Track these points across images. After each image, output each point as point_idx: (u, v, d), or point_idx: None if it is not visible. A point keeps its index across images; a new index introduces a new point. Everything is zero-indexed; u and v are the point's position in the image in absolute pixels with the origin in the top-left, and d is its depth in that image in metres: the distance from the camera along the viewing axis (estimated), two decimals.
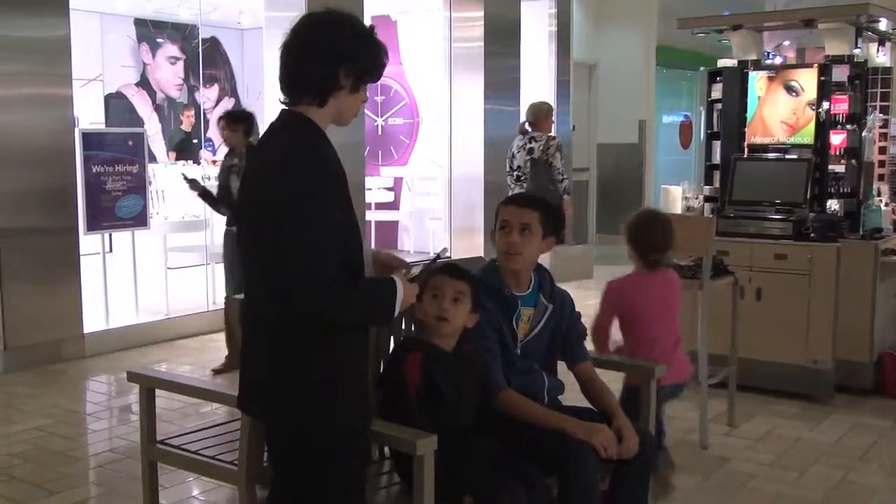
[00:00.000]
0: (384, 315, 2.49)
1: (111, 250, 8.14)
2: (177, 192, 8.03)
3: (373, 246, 10.77)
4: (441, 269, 3.03)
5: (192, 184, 6.50)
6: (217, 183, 6.46)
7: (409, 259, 2.82)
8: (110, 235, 7.92)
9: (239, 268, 6.28)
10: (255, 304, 2.46)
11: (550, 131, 8.04)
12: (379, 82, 11.99)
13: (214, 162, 10.78)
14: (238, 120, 6.23)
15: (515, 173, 7.93)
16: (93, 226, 7.11)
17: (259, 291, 2.42)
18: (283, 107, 2.45)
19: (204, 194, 6.49)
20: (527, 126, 7.96)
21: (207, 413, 5.31)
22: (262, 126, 7.42)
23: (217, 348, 6.75)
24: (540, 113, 7.95)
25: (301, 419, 2.40)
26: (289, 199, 2.27)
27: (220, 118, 6.30)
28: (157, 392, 3.44)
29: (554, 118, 8.36)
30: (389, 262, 2.66)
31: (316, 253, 2.27)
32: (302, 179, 2.28)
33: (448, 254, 3.11)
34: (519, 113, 10.41)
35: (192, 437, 3.47)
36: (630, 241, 4.13)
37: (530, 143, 7.86)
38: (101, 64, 11.61)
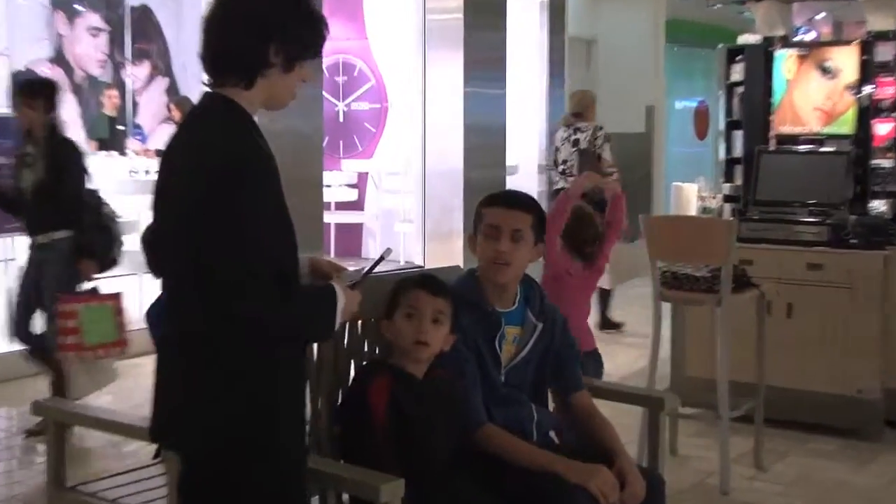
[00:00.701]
0: (324, 327, 2.49)
1: (14, 258, 8.05)
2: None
3: (332, 253, 10.72)
4: (418, 284, 3.02)
5: None
6: (11, 180, 5.81)
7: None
8: (12, 240, 7.84)
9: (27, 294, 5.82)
10: (172, 314, 2.47)
11: (595, 120, 8.58)
12: (341, 60, 11.88)
13: (146, 151, 10.70)
14: (37, 93, 5.52)
15: (561, 167, 8.52)
16: None
17: (176, 297, 2.42)
18: (207, 89, 2.45)
19: None
20: (571, 116, 8.61)
21: (134, 452, 5.22)
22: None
23: (142, 374, 6.65)
24: (586, 101, 8.67)
25: (220, 447, 2.38)
26: (213, 192, 2.27)
27: (18, 91, 5.65)
28: (76, 428, 3.38)
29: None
30: (328, 271, 2.64)
31: (242, 250, 2.27)
32: (228, 170, 2.28)
33: (392, 255, 3.10)
34: (505, 96, 10.43)
35: (112, 483, 3.42)
36: (563, 238, 4.50)
37: (575, 133, 8.45)
38: (6, 36, 11.52)
